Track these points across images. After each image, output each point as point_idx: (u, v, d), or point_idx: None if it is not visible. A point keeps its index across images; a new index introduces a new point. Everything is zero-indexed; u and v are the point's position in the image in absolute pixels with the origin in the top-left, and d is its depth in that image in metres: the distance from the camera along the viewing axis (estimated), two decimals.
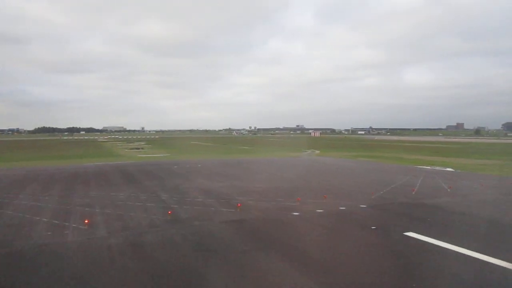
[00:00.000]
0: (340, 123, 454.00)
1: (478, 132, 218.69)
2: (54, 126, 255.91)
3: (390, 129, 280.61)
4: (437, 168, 32.06)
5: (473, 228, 11.89)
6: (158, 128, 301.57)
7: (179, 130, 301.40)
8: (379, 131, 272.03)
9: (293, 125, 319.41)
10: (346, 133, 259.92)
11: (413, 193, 18.29)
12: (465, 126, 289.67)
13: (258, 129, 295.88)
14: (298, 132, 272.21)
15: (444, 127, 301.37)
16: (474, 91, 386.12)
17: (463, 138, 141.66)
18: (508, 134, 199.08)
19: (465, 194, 18.22)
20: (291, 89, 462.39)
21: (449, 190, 19.38)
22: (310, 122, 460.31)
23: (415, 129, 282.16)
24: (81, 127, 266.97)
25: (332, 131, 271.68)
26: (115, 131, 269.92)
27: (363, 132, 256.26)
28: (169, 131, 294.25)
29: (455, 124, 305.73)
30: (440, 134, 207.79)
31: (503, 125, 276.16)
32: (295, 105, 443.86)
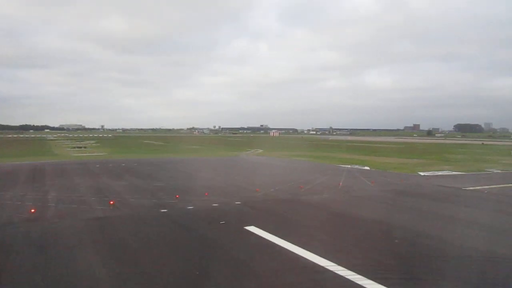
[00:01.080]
0: (303, 123, 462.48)
1: (429, 133, 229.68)
2: (6, 123, 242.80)
3: (351, 129, 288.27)
4: (356, 166, 33.51)
5: (317, 225, 12.68)
6: (119, 127, 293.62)
7: (141, 129, 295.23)
8: (340, 131, 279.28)
9: (257, 124, 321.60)
10: (306, 133, 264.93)
11: (301, 190, 19.20)
12: (421, 127, 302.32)
13: (222, 128, 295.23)
14: (261, 131, 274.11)
15: (402, 127, 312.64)
16: (430, 94, 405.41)
17: (414, 139, 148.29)
18: (462, 135, 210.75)
19: (347, 191, 19.34)
20: (256, 89, 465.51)
21: (339, 187, 20.50)
22: (275, 122, 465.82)
23: (374, 130, 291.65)
24: (35, 124, 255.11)
25: (295, 131, 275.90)
26: (73, 129, 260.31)
27: (326, 132, 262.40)
28: (131, 130, 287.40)
29: (412, 125, 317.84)
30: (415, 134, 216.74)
31: (454, 126, 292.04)
32: (260, 105, 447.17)
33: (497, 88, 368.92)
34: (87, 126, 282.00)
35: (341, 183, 21.74)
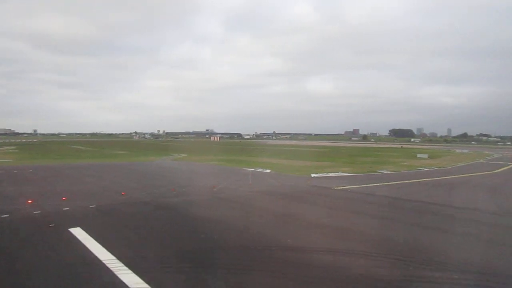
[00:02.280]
0: (248, 128, 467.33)
1: (365, 137, 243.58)
2: None
3: (294, 133, 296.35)
4: (259, 169, 35.03)
5: (142, 224, 13.54)
6: (56, 131, 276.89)
7: (80, 134, 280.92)
8: (284, 135, 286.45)
9: (203, 129, 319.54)
10: (248, 137, 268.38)
11: (172, 192, 20.01)
12: (360, 132, 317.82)
13: (167, 133, 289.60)
14: (207, 136, 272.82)
15: (342, 132, 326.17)
16: (368, 100, 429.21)
17: (347, 143, 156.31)
18: (394, 139, 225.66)
19: (216, 193, 20.44)
20: (201, 94, 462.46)
21: (213, 189, 21.56)
22: (220, 127, 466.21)
23: (316, 134, 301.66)
24: None
25: (239, 135, 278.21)
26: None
27: (270, 136, 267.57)
28: (69, 134, 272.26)
29: (352, 130, 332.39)
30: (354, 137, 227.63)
31: (389, 131, 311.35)
32: (206, 110, 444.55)
33: (427, 95, 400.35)
34: (17, 131, 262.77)
35: (218, 186, 22.84)
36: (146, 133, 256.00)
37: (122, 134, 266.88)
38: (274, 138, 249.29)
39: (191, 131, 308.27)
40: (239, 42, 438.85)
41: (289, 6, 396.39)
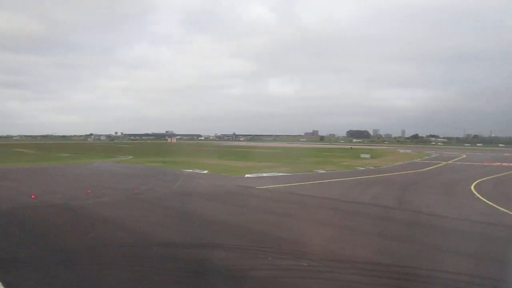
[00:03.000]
0: (208, 129, 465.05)
1: (322, 138, 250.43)
2: None
3: (255, 135, 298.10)
4: (196, 171, 35.29)
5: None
6: (3, 133, 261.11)
7: (30, 136, 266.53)
8: (244, 136, 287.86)
9: (163, 130, 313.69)
10: (202, 139, 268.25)
11: (87, 194, 19.96)
12: (320, 133, 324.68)
13: (125, 134, 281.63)
14: (166, 137, 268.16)
15: (302, 133, 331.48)
16: (327, 102, 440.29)
17: (302, 144, 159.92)
18: (350, 141, 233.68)
19: (133, 194, 20.62)
20: (160, 95, 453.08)
21: (133, 190, 21.70)
22: (180, 128, 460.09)
23: (277, 135, 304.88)
24: None
25: (199, 136, 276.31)
26: None
27: (230, 137, 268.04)
28: (17, 136, 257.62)
29: (311, 131, 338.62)
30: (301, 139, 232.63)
31: (347, 132, 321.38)
32: (165, 111, 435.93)
33: (381, 98, 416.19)
34: None
35: (141, 187, 23.00)
36: (102, 135, 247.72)
37: (77, 136, 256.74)
38: (233, 139, 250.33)
39: (151, 133, 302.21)
40: (199, 43, 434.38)
41: (248, 8, 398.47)
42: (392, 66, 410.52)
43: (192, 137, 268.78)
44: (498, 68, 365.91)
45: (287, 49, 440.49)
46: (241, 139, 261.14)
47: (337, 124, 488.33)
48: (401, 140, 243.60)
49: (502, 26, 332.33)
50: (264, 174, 33.00)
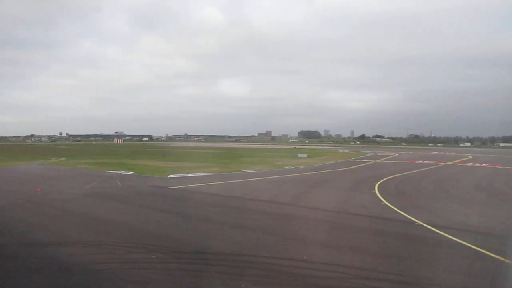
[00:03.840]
0: (160, 130, 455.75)
1: (273, 139, 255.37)
2: None
3: (208, 135, 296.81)
4: (122, 172, 34.97)
5: None
6: None
7: None
8: (198, 137, 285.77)
9: (112, 131, 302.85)
10: (165, 139, 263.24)
11: None
12: (273, 134, 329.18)
13: (70, 135, 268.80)
14: (114, 138, 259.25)
15: (256, 134, 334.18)
16: (279, 103, 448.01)
17: (254, 144, 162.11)
18: (300, 141, 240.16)
19: (31, 196, 20.33)
20: (109, 94, 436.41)
21: (36, 192, 21.37)
22: (130, 129, 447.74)
23: (230, 136, 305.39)
24: None
25: (149, 137, 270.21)
26: None
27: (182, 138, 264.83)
28: None
29: (265, 132, 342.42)
30: (243, 140, 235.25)
31: (299, 132, 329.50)
32: (115, 111, 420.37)
33: (332, 100, 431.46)
34: None
35: (48, 189, 22.67)
36: (43, 136, 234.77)
37: (15, 137, 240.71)
38: (185, 140, 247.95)
39: (99, 133, 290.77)
40: (149, 42, 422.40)
41: (198, 8, 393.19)
42: (342, 69, 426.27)
43: (141, 138, 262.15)
44: (437, 71, 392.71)
45: (239, 50, 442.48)
46: (193, 140, 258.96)
47: (289, 124, 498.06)
48: (348, 140, 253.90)
49: (438, 33, 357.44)
50: (189, 175, 33.44)
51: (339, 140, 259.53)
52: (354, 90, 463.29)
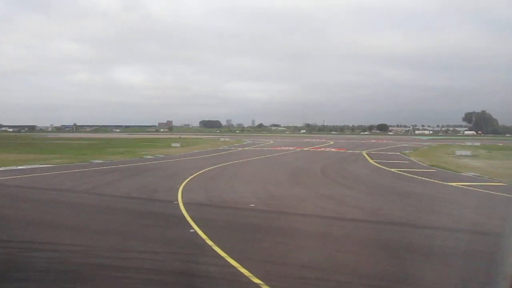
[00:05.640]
0: (46, 119, 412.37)
1: (170, 128, 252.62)
2: None
3: (102, 126, 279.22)
4: None
5: None
6: None
7: None
8: (89, 127, 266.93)
9: None
10: (52, 129, 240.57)
11: None
12: (174, 123, 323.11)
13: None
14: None
15: (156, 124, 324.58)
16: (180, 93, 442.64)
17: (142, 134, 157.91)
18: (199, 130, 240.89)
19: None
20: None
21: None
22: (10, 119, 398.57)
23: (127, 126, 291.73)
24: None
25: (32, 128, 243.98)
26: None
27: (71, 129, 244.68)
28: None
29: (165, 122, 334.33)
30: (117, 130, 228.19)
31: (200, 122, 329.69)
32: None
33: (234, 90, 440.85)
34: None
35: None
36: None
37: None
38: (74, 130, 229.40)
39: None
40: (30, 22, 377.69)
41: None
42: (244, 60, 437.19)
43: (21, 128, 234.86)
44: (330, 65, 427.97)
45: (135, 36, 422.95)
46: (83, 130, 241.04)
47: (191, 114, 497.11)
48: (245, 129, 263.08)
49: (328, 30, 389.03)
50: (20, 167, 32.04)
51: (238, 129, 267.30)
52: (255, 80, 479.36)
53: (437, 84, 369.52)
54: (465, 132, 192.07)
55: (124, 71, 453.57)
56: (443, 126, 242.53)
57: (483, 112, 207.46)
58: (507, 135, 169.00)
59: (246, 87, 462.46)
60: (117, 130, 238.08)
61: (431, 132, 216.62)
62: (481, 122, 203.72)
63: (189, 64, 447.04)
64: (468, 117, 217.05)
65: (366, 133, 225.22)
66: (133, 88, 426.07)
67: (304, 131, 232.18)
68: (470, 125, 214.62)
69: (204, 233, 11.60)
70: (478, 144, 78.26)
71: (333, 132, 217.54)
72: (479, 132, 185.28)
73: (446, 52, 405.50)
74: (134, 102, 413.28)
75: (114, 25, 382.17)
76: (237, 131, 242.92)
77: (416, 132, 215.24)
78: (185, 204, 16.19)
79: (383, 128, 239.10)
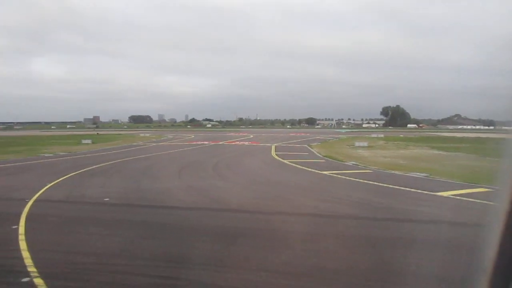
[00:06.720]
0: None
1: (96, 124, 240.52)
2: None
3: (18, 122, 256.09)
4: None
5: None
6: None
7: None
8: (4, 124, 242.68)
9: None
10: None
11: None
12: (102, 119, 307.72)
13: None
14: None
15: (82, 120, 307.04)
16: (106, 87, 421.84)
17: (61, 131, 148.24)
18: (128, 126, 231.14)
19: None
20: None
21: None
22: None
23: (47, 122, 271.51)
24: None
25: None
26: None
27: None
28: None
29: (92, 117, 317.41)
30: (53, 127, 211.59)
31: (129, 117, 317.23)
32: None
33: (165, 85, 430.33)
34: None
35: None
36: None
37: None
38: None
39: None
40: None
41: None
42: (175, 54, 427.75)
43: None
44: (260, 60, 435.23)
45: (53, 25, 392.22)
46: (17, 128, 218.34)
47: (120, 109, 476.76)
48: (176, 124, 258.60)
49: (255, 25, 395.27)
50: None
51: (167, 125, 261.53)
52: (187, 75, 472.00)
53: (360, 81, 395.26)
54: (408, 125, 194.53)
55: (40, 63, 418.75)
56: (365, 120, 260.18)
57: (398, 106, 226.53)
58: (408, 125, 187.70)
59: (178, 81, 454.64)
60: (18, 127, 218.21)
61: (377, 125, 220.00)
62: (396, 116, 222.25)
63: (115, 57, 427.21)
64: (385, 111, 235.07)
65: (296, 126, 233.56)
66: (52, 81, 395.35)
67: (243, 126, 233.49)
68: (387, 118, 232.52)
69: (26, 228, 11.61)
70: (382, 136, 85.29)
71: (261, 126, 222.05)
72: (421, 125, 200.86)
73: (368, 51, 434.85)
74: (55, 96, 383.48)
75: (26, 12, 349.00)
76: (158, 126, 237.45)
77: (364, 125, 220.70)
78: (35, 202, 15.90)
79: (311, 121, 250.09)
